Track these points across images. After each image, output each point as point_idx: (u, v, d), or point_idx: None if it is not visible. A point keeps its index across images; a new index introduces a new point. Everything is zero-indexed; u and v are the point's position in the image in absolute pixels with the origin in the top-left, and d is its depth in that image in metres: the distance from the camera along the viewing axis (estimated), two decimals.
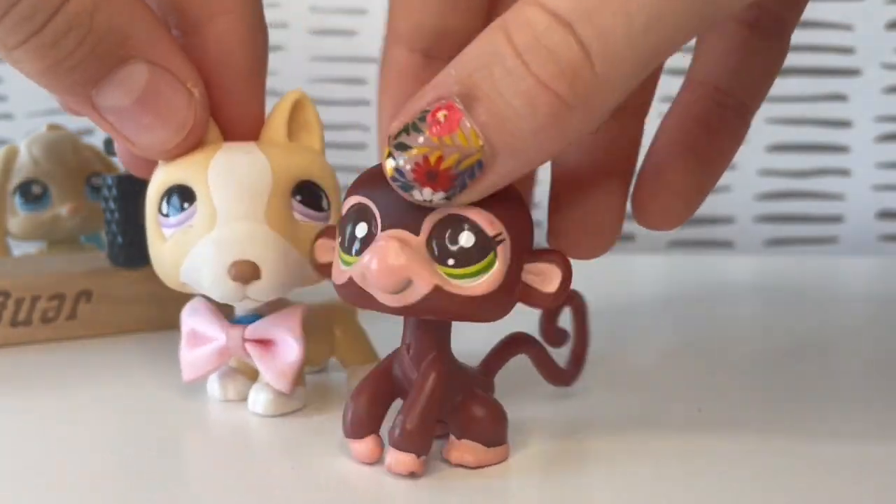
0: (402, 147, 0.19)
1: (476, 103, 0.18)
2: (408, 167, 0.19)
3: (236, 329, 0.26)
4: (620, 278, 0.50)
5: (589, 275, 0.51)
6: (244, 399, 0.27)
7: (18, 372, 0.32)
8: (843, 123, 0.59)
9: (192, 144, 0.25)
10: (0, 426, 0.26)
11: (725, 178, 0.65)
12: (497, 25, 0.18)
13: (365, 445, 0.22)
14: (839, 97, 0.59)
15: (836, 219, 0.60)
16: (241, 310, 0.27)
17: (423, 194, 0.19)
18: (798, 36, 0.57)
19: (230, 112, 0.26)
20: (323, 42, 0.58)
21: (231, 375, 0.28)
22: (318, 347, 0.28)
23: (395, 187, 0.19)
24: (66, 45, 0.21)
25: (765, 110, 0.60)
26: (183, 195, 0.25)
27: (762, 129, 0.60)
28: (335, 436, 0.24)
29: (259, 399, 0.26)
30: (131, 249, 0.35)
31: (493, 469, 0.23)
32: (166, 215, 0.25)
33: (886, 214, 0.60)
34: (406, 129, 0.19)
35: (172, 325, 0.31)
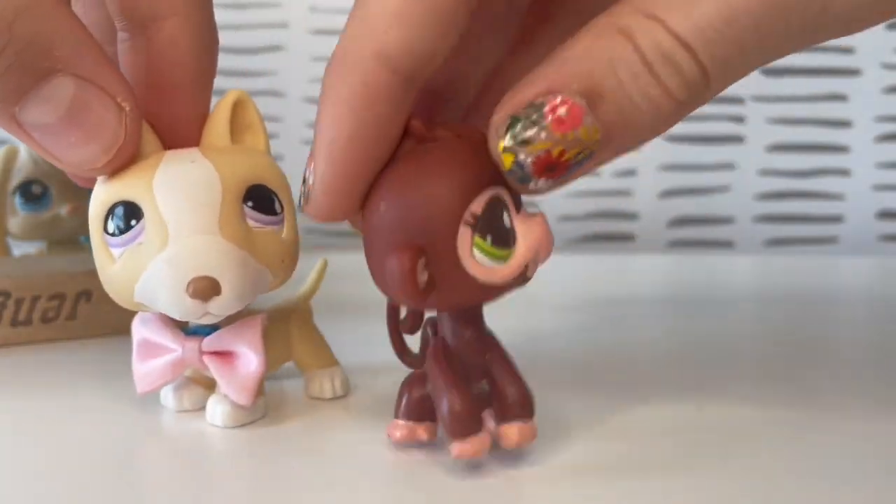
0: (522, 141, 0.19)
1: (601, 101, 0.19)
2: (528, 160, 0.20)
3: (193, 341, 0.25)
4: (620, 278, 0.50)
5: (589, 275, 0.51)
6: (200, 409, 0.26)
7: (18, 372, 0.32)
8: (843, 123, 0.59)
9: (124, 161, 0.23)
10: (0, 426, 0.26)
11: (725, 177, 0.65)
12: (615, 30, 0.19)
13: (480, 437, 0.22)
14: (839, 97, 0.59)
15: (836, 219, 0.60)
16: None
17: (538, 184, 0.20)
18: None
19: (174, 116, 0.25)
20: (323, 42, 0.58)
21: (186, 385, 0.27)
22: (276, 352, 0.27)
23: (511, 179, 0.20)
24: None
25: (765, 110, 0.60)
26: (129, 212, 0.23)
27: (762, 129, 0.60)
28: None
29: (218, 411, 0.25)
30: None
31: (496, 468, 0.23)
32: (112, 234, 0.24)
33: (886, 214, 0.60)
34: (518, 121, 0.19)
35: None
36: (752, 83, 0.58)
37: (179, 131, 0.25)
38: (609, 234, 0.60)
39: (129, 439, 0.25)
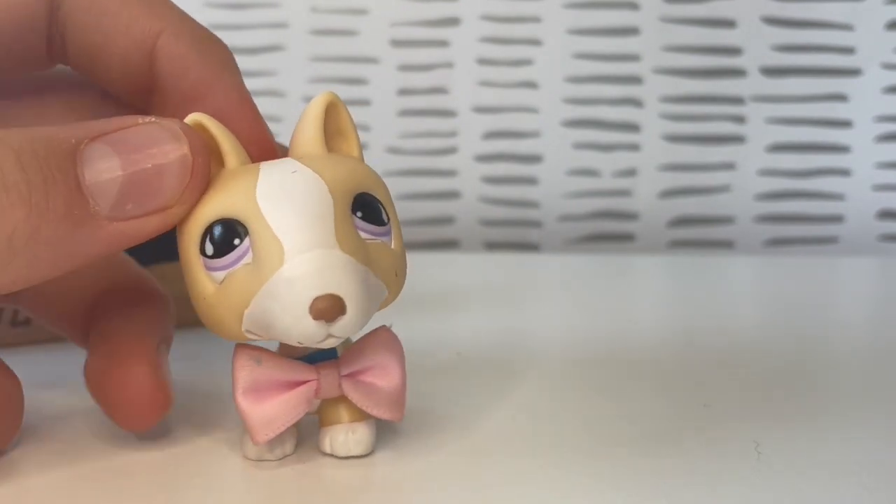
0: None
1: None
2: None
3: (328, 367, 0.23)
4: (620, 278, 0.50)
5: (589, 275, 0.51)
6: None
7: (18, 372, 0.31)
8: (843, 123, 0.60)
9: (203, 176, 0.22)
10: None
11: (725, 177, 0.65)
12: None
13: None
14: (839, 97, 0.59)
15: (836, 219, 0.60)
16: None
17: None
18: (798, 36, 0.58)
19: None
20: (323, 42, 0.58)
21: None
22: None
23: None
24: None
25: (765, 110, 0.60)
26: (231, 230, 0.21)
27: (762, 129, 0.60)
28: None
29: (351, 440, 0.23)
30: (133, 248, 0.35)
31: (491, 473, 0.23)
32: (212, 256, 0.21)
33: (886, 214, 0.60)
34: None
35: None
36: (752, 83, 0.58)
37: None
38: (609, 234, 0.60)
39: (131, 438, 0.25)
